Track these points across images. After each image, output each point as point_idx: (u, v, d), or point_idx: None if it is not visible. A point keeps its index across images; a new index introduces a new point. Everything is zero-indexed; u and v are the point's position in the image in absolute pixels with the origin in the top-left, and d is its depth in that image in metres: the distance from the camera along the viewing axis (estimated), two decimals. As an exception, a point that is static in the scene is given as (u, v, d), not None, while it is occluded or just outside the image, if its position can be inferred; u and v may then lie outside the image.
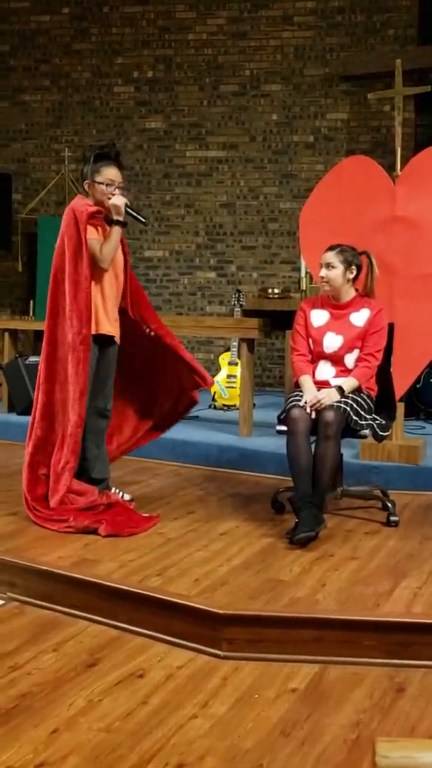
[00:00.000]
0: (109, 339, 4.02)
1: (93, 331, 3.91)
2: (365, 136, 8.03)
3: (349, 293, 4.02)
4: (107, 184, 3.91)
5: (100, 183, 3.91)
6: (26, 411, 6.16)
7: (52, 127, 8.64)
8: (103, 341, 4.00)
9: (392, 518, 3.99)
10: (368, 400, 3.92)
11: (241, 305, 7.11)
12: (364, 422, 3.83)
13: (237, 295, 7.19)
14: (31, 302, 7.98)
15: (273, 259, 8.30)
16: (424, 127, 7.93)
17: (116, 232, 3.90)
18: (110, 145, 3.99)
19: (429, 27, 7.84)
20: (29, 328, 7.18)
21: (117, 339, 4.07)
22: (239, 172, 8.31)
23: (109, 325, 3.97)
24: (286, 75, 8.16)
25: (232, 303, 7.23)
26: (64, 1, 8.51)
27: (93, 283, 3.91)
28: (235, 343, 6.84)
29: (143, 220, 4.07)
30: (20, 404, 6.31)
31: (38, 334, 8.42)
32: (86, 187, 3.96)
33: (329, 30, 8.03)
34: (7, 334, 6.66)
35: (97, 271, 3.90)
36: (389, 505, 4.06)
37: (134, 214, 3.99)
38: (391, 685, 2.63)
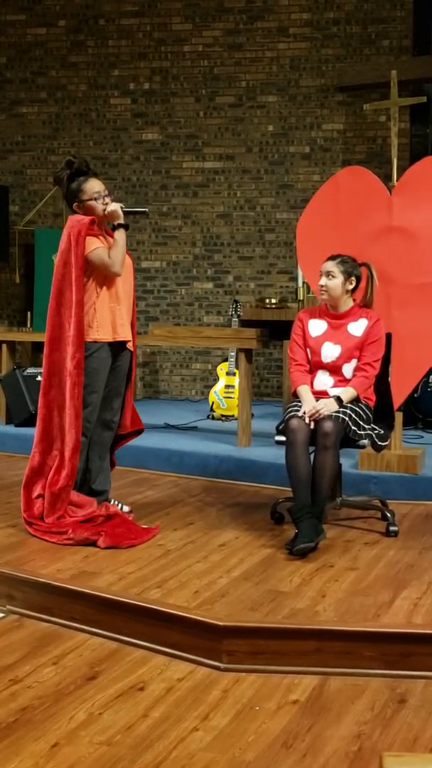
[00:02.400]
0: (123, 345, 4.03)
1: (110, 339, 3.94)
2: (361, 147, 8.06)
3: (347, 303, 4.02)
4: (95, 198, 3.93)
5: (88, 200, 3.93)
6: (24, 423, 6.17)
7: (48, 139, 8.66)
8: (117, 349, 4.01)
9: (391, 528, 3.99)
10: (367, 410, 3.92)
11: (238, 315, 7.12)
12: (362, 432, 3.83)
13: (234, 306, 7.20)
14: (29, 314, 7.98)
15: (270, 269, 8.31)
16: (420, 137, 7.96)
17: (121, 235, 3.92)
18: (74, 159, 4.01)
19: (424, 38, 7.88)
20: (27, 339, 7.18)
21: (130, 345, 4.08)
22: (236, 183, 8.34)
23: (123, 330, 3.99)
24: (282, 86, 8.19)
25: (230, 313, 7.24)
26: (60, 14, 8.54)
27: (106, 289, 3.92)
28: (233, 353, 6.84)
29: (143, 210, 4.18)
30: (18, 416, 6.30)
31: (36, 346, 8.44)
32: (76, 208, 3.98)
33: (325, 41, 8.07)
34: (5, 346, 6.66)
35: (109, 278, 3.92)
36: (388, 515, 4.05)
37: (132, 210, 4.08)
38: (392, 696, 2.63)
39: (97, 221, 3.93)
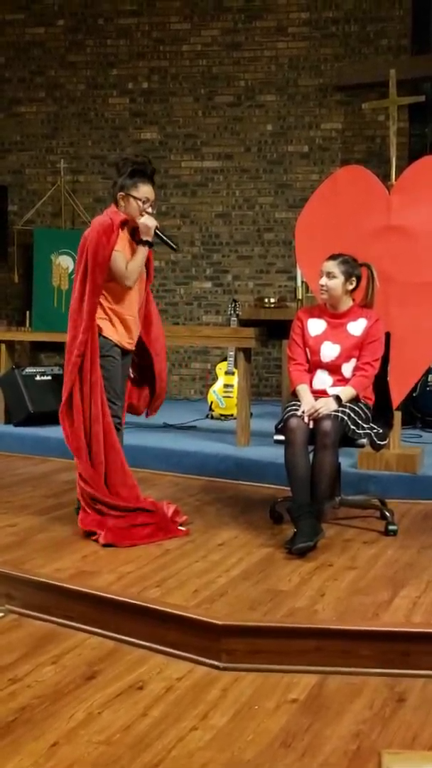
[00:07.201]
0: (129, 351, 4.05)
1: (127, 345, 3.96)
2: (360, 146, 8.06)
3: (346, 303, 4.02)
4: (143, 202, 3.88)
5: (137, 198, 3.87)
6: (23, 422, 6.17)
7: (47, 139, 8.65)
8: (125, 354, 4.03)
9: (390, 527, 3.99)
10: (366, 409, 3.92)
11: (237, 315, 7.11)
12: (361, 431, 3.83)
13: (233, 305, 7.19)
14: (28, 313, 7.98)
15: (269, 268, 8.31)
16: (418, 136, 7.95)
17: (142, 252, 3.87)
18: (148, 161, 3.95)
19: (422, 37, 7.88)
20: (25, 339, 7.19)
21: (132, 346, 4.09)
22: (234, 183, 8.33)
23: (132, 337, 4.01)
24: (281, 85, 8.19)
25: (229, 313, 7.23)
26: (58, 14, 8.53)
27: (113, 299, 3.89)
28: (232, 353, 6.84)
29: (173, 246, 4.01)
30: (17, 415, 6.30)
31: (35, 345, 8.45)
32: (119, 198, 3.90)
33: (323, 40, 8.07)
34: (3, 346, 6.65)
35: (121, 287, 3.88)
36: (387, 514, 4.05)
37: (164, 238, 3.94)
38: (391, 695, 2.63)
39: (128, 223, 3.89)
